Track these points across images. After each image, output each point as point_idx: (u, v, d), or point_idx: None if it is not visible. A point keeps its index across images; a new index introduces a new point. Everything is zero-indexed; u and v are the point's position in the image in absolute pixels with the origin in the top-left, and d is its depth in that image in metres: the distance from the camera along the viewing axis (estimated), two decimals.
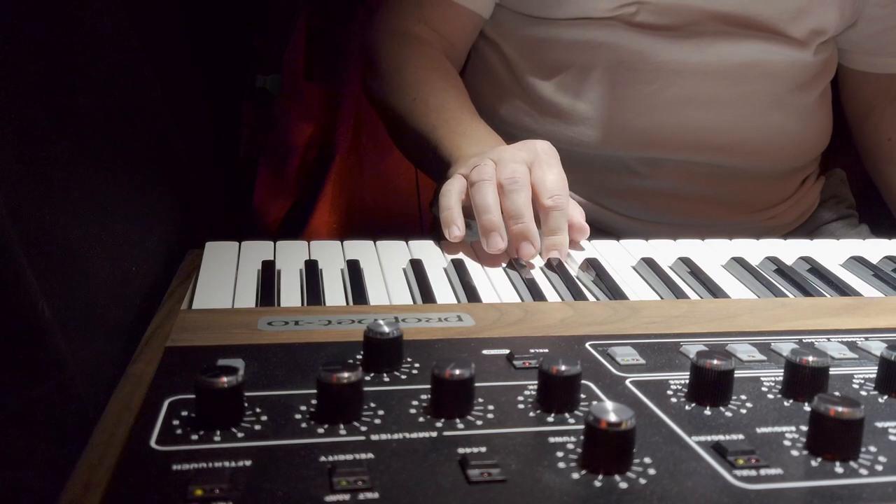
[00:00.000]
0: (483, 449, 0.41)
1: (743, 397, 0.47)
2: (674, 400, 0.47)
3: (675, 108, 0.97)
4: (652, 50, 0.96)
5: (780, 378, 0.49)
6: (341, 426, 0.42)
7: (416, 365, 0.50)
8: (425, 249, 0.76)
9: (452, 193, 0.76)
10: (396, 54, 0.98)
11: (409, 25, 1.01)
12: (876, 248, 0.83)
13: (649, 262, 0.73)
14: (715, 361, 0.46)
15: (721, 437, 0.43)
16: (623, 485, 0.38)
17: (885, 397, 0.48)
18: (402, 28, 1.01)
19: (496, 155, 0.76)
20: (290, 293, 0.66)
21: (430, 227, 1.23)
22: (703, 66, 0.96)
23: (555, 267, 0.70)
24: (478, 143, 0.83)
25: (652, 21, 0.96)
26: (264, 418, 0.43)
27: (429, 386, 0.45)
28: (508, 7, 1.01)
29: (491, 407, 0.45)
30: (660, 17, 0.96)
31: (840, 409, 0.40)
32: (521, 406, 0.46)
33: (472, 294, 0.65)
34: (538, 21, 0.99)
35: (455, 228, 0.74)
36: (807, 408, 0.46)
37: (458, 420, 0.43)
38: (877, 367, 0.50)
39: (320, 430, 0.42)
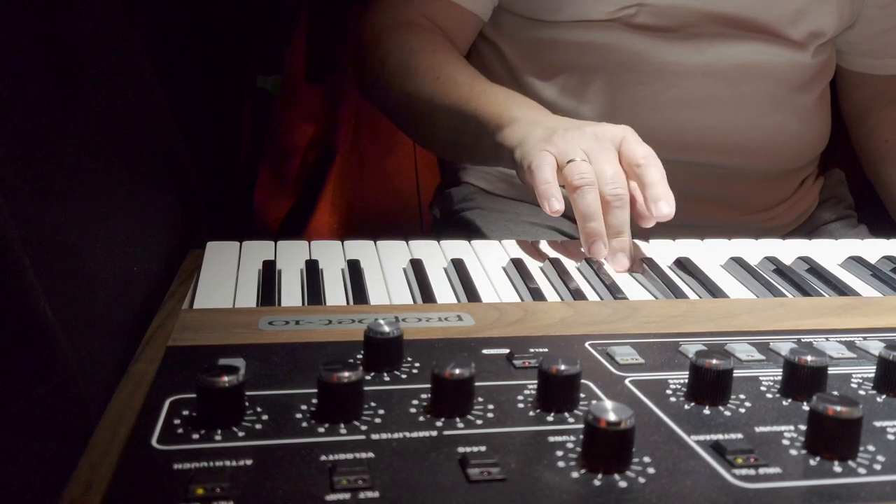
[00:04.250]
0: (483, 448, 0.41)
1: (742, 397, 0.48)
2: (673, 399, 0.47)
3: (675, 109, 0.97)
4: (652, 51, 0.96)
5: (779, 377, 0.49)
6: (342, 425, 0.42)
7: (417, 364, 0.50)
8: (425, 249, 0.76)
9: (547, 167, 0.75)
10: (407, 41, 0.97)
11: (412, 17, 1.00)
12: (874, 248, 0.83)
13: (649, 262, 0.74)
14: (714, 361, 0.46)
15: (720, 437, 0.43)
16: (622, 484, 0.38)
17: (884, 396, 0.49)
18: (405, 19, 1.00)
19: (585, 146, 0.75)
20: (291, 293, 0.66)
21: (431, 227, 1.23)
22: (703, 67, 0.97)
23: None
24: (526, 107, 0.83)
25: (651, 23, 0.96)
26: (265, 417, 0.43)
27: (429, 385, 0.45)
28: (508, 9, 1.01)
29: (491, 406, 0.45)
30: (659, 18, 0.96)
31: (838, 408, 0.40)
32: (520, 405, 0.46)
33: (472, 294, 0.66)
34: (538, 23, 0.99)
35: (555, 201, 0.73)
36: (805, 407, 0.46)
37: (458, 419, 0.44)
38: (875, 367, 0.50)
39: (321, 430, 0.42)
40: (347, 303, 0.65)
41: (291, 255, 0.73)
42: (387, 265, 0.72)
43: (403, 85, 0.95)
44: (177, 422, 0.42)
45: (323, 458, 0.39)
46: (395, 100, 0.98)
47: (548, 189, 0.74)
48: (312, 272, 0.68)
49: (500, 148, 0.82)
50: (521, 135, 0.79)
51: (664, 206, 0.72)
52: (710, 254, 0.79)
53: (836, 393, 0.43)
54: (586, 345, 0.54)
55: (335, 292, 0.67)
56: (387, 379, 0.48)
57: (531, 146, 0.77)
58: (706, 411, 0.46)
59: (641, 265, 0.73)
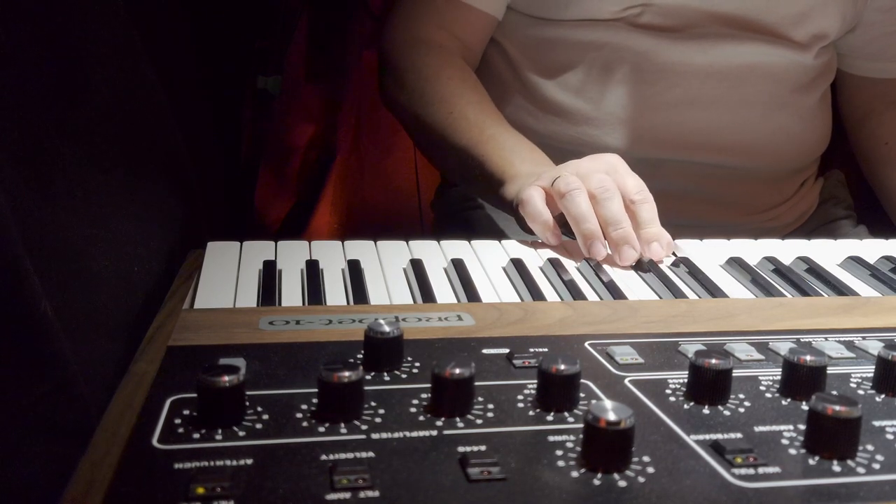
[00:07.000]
0: (483, 447, 0.41)
1: (741, 396, 0.48)
2: (672, 399, 0.47)
3: (678, 108, 0.98)
4: (656, 51, 0.96)
5: (778, 377, 0.49)
6: (342, 425, 0.43)
7: (417, 364, 0.50)
8: (425, 249, 0.76)
9: (537, 199, 0.76)
10: (424, 65, 0.97)
11: (429, 32, 1.00)
12: (873, 249, 0.83)
13: (648, 262, 0.74)
14: (713, 361, 0.46)
15: (719, 436, 0.43)
16: (622, 483, 0.38)
17: (883, 396, 0.49)
18: (423, 36, 1.00)
19: (573, 169, 0.76)
20: (292, 293, 0.66)
21: (431, 227, 1.23)
22: (706, 67, 0.97)
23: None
24: (530, 162, 0.84)
25: (656, 22, 0.96)
26: (265, 417, 0.43)
27: (429, 385, 0.45)
28: (514, 8, 1.01)
29: (491, 406, 0.45)
30: (664, 18, 0.96)
31: (837, 407, 0.40)
32: (520, 405, 0.46)
33: (472, 294, 0.66)
34: (543, 22, 0.99)
35: (550, 236, 0.76)
36: (804, 407, 0.46)
37: (458, 419, 0.44)
38: (874, 367, 0.50)
39: (321, 429, 0.42)
40: (347, 303, 0.65)
41: (292, 255, 0.73)
42: (387, 265, 0.72)
43: (417, 111, 0.96)
44: (177, 421, 0.42)
45: (323, 457, 0.40)
46: (409, 121, 1.00)
47: (543, 222, 0.75)
48: (313, 272, 0.68)
49: (502, 199, 0.83)
50: (520, 186, 0.80)
51: (657, 248, 0.73)
52: (710, 254, 0.79)
53: (835, 392, 0.43)
54: (586, 345, 0.55)
55: (335, 292, 0.67)
56: (387, 379, 0.48)
57: (525, 188, 0.78)
58: (705, 411, 0.46)
59: (643, 263, 0.73)
